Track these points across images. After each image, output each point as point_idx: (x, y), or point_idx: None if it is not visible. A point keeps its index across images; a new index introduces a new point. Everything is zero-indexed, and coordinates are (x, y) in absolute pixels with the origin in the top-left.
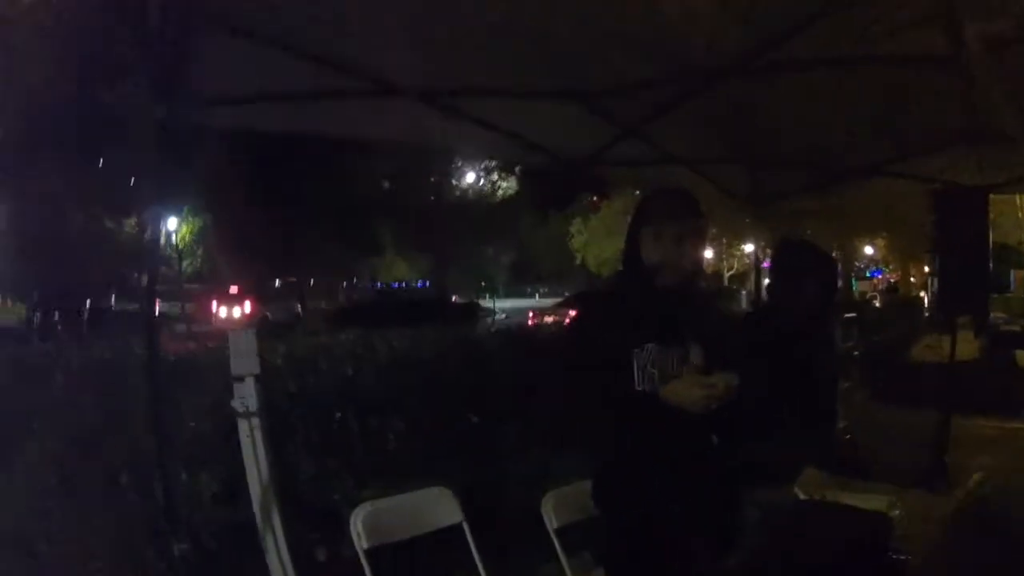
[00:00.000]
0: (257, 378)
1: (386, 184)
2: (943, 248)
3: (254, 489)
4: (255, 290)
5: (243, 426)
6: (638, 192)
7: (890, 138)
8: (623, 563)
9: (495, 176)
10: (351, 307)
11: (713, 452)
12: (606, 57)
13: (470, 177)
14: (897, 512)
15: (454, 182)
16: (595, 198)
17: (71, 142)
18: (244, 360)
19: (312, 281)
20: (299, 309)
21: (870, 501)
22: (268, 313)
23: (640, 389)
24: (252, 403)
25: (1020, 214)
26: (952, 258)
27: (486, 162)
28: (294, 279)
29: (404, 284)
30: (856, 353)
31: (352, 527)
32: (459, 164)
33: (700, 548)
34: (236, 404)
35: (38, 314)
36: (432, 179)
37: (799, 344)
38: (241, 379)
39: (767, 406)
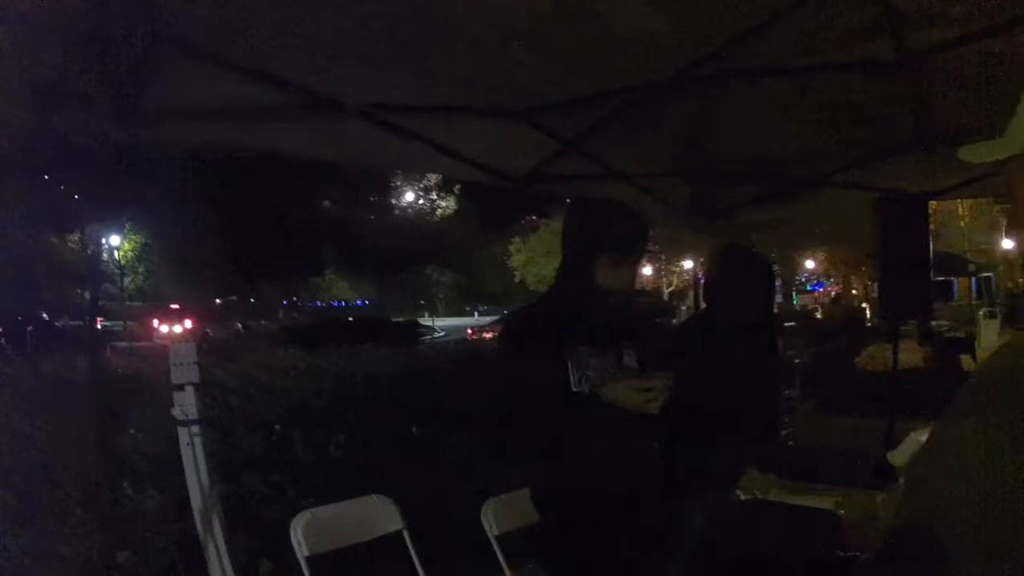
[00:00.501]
0: (196, 387)
1: (327, 204)
2: (885, 255)
3: (195, 497)
4: (196, 307)
5: (183, 434)
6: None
7: (835, 149)
8: (565, 570)
9: (434, 195)
10: (292, 326)
11: (652, 454)
12: (545, 73)
13: (409, 196)
14: (843, 511)
15: (393, 201)
16: (534, 217)
17: (17, 162)
18: (184, 369)
19: (253, 300)
20: (240, 327)
21: (816, 502)
22: (208, 330)
23: (578, 391)
24: (191, 411)
25: (963, 223)
26: (894, 265)
27: (424, 181)
28: (235, 298)
29: (344, 304)
30: (797, 361)
31: (293, 534)
32: (399, 184)
33: (642, 552)
34: (176, 412)
35: None
36: (372, 199)
37: (738, 349)
38: (181, 388)
39: (706, 409)
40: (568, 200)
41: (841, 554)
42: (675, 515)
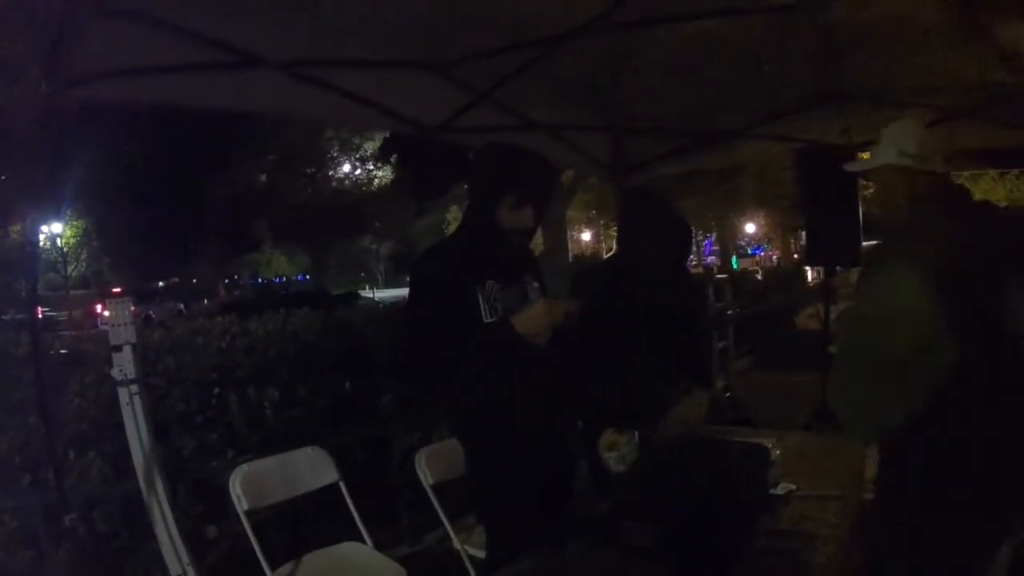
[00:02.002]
0: (134, 347)
1: (263, 178)
2: (809, 203)
3: (137, 457)
4: (137, 290)
5: (123, 394)
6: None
7: (755, 101)
8: (493, 510)
9: (371, 165)
10: (233, 303)
11: (567, 391)
12: (460, 25)
13: (346, 167)
14: (779, 451)
15: (330, 173)
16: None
17: None
18: (122, 330)
19: (195, 280)
20: (181, 307)
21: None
22: (151, 312)
23: (489, 321)
24: (130, 371)
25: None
26: (819, 211)
27: (361, 151)
28: (177, 279)
29: (284, 279)
30: (729, 312)
31: (232, 489)
32: (335, 155)
33: (564, 484)
34: (115, 373)
35: None
36: (308, 171)
37: (652, 291)
38: (119, 348)
39: (616, 346)
40: None
41: (777, 488)
42: (592, 447)
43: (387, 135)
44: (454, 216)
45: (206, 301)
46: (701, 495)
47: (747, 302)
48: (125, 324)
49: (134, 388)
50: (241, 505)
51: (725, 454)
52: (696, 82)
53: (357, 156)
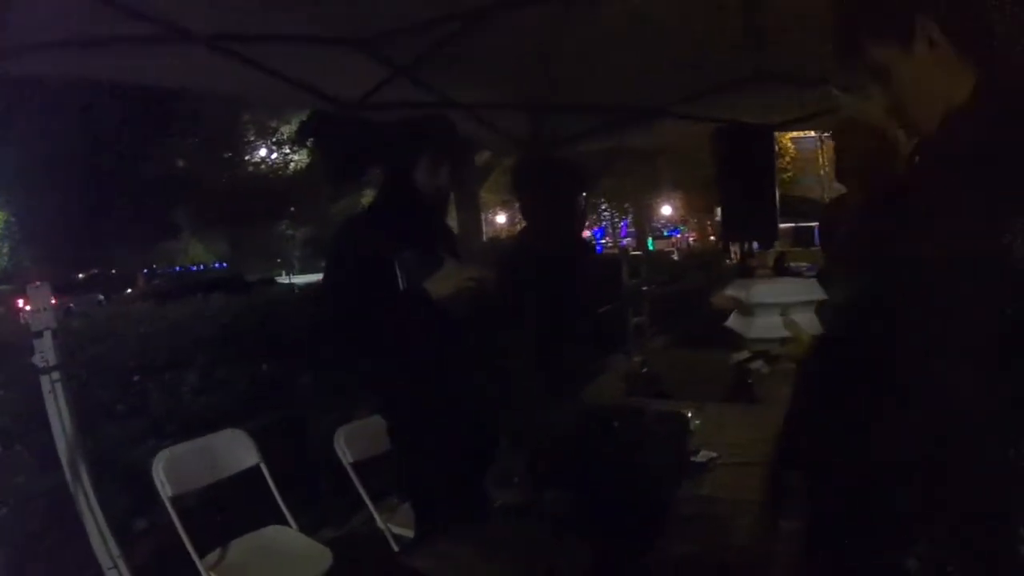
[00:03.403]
0: (55, 333)
1: (180, 163)
2: (725, 180)
3: (60, 445)
4: (58, 282)
5: (44, 381)
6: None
7: (675, 79)
8: (415, 479)
9: (287, 150)
10: (152, 292)
11: (485, 355)
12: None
13: (262, 152)
14: (698, 421)
15: (247, 158)
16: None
17: None
18: (41, 316)
19: (114, 271)
20: (101, 298)
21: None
22: (71, 304)
23: (404, 288)
24: (51, 357)
25: (823, 172)
26: (734, 186)
27: (277, 135)
28: (96, 271)
29: (203, 267)
30: (644, 288)
31: (155, 475)
32: (251, 139)
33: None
34: (36, 360)
35: None
36: (225, 156)
37: (557, 262)
38: (40, 335)
39: (530, 315)
40: None
41: (697, 457)
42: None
43: (303, 119)
44: (368, 199)
45: (128, 291)
46: (619, 462)
47: (663, 280)
48: (44, 310)
49: (55, 375)
50: (165, 491)
51: (642, 421)
52: (618, 59)
53: (273, 140)
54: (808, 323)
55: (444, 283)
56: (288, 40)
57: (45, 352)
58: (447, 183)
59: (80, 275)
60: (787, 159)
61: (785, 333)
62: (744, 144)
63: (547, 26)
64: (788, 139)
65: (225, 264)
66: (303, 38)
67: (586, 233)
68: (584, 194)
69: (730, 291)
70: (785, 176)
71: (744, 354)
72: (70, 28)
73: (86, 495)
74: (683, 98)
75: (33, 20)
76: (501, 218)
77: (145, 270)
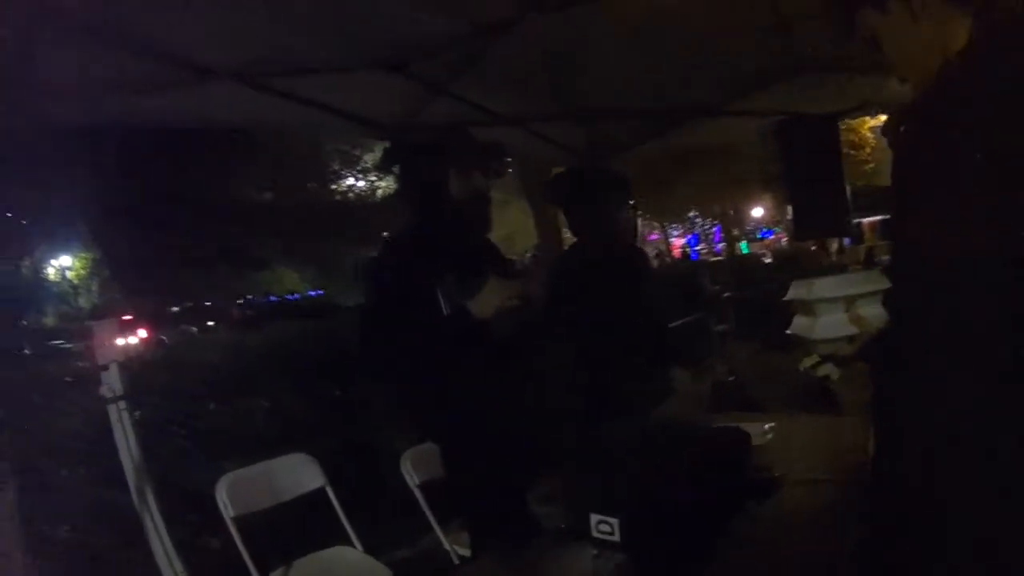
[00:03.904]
0: (121, 365)
1: (267, 196)
2: (792, 176)
3: (127, 468)
4: (149, 317)
5: (112, 411)
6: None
7: (726, 74)
8: (469, 502)
9: (372, 177)
10: (245, 322)
11: (537, 377)
12: (408, 18)
13: (350, 180)
14: (770, 436)
15: (332, 187)
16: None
17: None
18: (108, 350)
19: (208, 303)
20: (194, 330)
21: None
22: (164, 337)
23: (448, 313)
24: (117, 388)
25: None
26: (801, 181)
27: (362, 163)
28: (189, 303)
29: (298, 295)
30: (727, 295)
31: (218, 498)
32: (336, 168)
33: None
34: (104, 391)
35: None
36: (310, 185)
37: (609, 273)
38: (106, 367)
39: (589, 334)
40: None
41: (758, 475)
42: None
43: (387, 145)
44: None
45: (219, 323)
46: (673, 482)
47: (748, 284)
48: (110, 344)
49: (122, 404)
50: (228, 512)
51: (695, 440)
52: (661, 60)
53: (359, 168)
54: (877, 316)
55: (487, 304)
56: (315, 72)
57: (111, 383)
58: (482, 195)
59: (175, 308)
60: (868, 150)
61: (852, 330)
62: (807, 136)
63: (581, 31)
64: (867, 129)
65: (321, 292)
66: (332, 68)
67: (679, 241)
68: (631, 202)
69: (791, 293)
70: (867, 167)
71: (813, 359)
72: (96, 75)
73: (152, 515)
74: (735, 94)
75: (58, 71)
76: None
77: (240, 300)
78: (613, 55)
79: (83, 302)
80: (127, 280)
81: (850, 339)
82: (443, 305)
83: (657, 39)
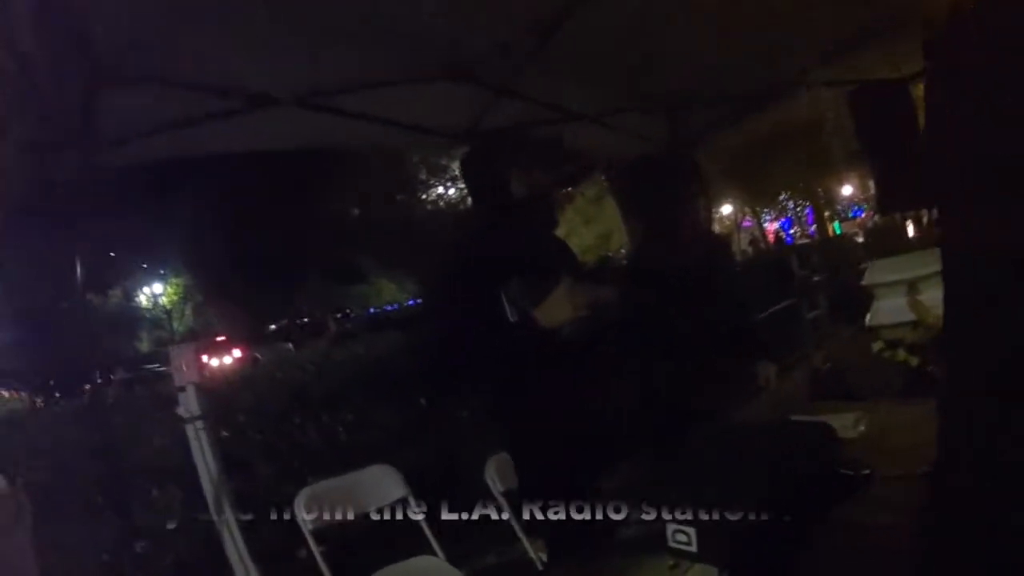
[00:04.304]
0: (198, 387)
1: (356, 212)
2: (869, 145)
3: (205, 484)
4: (244, 336)
5: (189, 430)
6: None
7: (798, 46)
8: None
9: (461, 184)
10: (343, 336)
11: (618, 384)
12: (463, 20)
13: (439, 189)
14: (862, 427)
15: (423, 196)
16: (568, 189)
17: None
18: (185, 372)
19: (306, 320)
20: (289, 346)
21: (832, 420)
22: (258, 355)
23: (514, 320)
24: (194, 409)
25: None
26: (881, 151)
27: (450, 171)
28: (285, 321)
29: (397, 306)
30: (816, 279)
31: (296, 510)
32: (424, 177)
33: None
34: (181, 411)
35: (40, 399)
36: (399, 197)
37: (692, 263)
38: (183, 389)
39: (663, 328)
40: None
41: (844, 472)
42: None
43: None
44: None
45: (317, 340)
46: (752, 484)
47: (837, 267)
48: (188, 367)
49: (199, 424)
50: (306, 524)
51: (775, 442)
52: (734, 34)
53: (447, 176)
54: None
55: (556, 310)
56: (378, 85)
57: (188, 404)
58: (548, 194)
59: (272, 327)
60: None
61: (911, 316)
62: (883, 103)
63: (647, 11)
64: None
65: (419, 301)
66: (394, 79)
67: (773, 226)
68: (706, 190)
69: (867, 277)
70: None
71: (879, 344)
72: (162, 113)
73: (231, 530)
74: (811, 64)
75: (128, 110)
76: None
77: (338, 315)
78: (684, 34)
79: (178, 326)
80: (221, 303)
81: (913, 325)
82: (508, 311)
83: (727, 11)
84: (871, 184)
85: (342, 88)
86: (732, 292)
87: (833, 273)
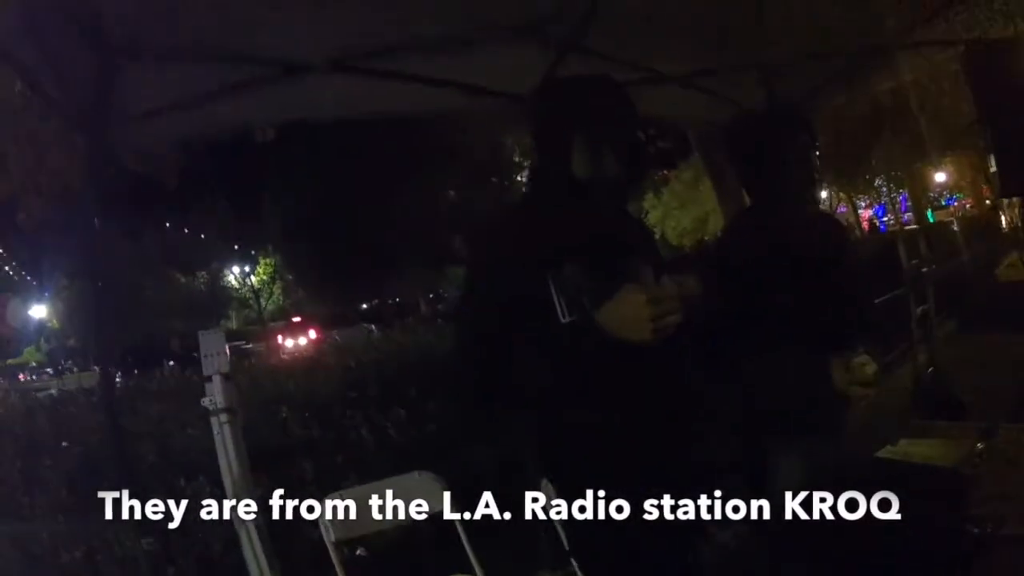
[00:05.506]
0: (225, 376)
1: (452, 194)
2: (990, 115)
3: (227, 482)
4: (326, 317)
5: (214, 422)
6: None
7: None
8: (590, 554)
9: None
10: (435, 316)
11: (692, 395)
12: None
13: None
14: (979, 464)
15: (518, 178)
16: (665, 173)
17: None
18: (213, 360)
19: (397, 300)
20: (372, 328)
21: (949, 451)
22: (336, 336)
23: (567, 321)
24: (220, 400)
25: None
26: (1004, 123)
27: None
28: (375, 300)
29: None
30: (924, 270)
31: (320, 520)
32: (518, 159)
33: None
34: (206, 402)
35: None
36: (492, 179)
37: (793, 242)
38: (210, 378)
39: (755, 328)
40: None
41: (970, 528)
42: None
43: None
44: (650, 203)
45: (409, 319)
46: (863, 543)
47: (940, 257)
48: (216, 355)
49: (223, 417)
50: (329, 536)
51: (900, 485)
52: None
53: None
54: None
55: (617, 315)
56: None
57: (215, 395)
58: (623, 169)
59: (364, 306)
60: None
61: None
62: (1000, 66)
63: None
64: None
65: None
66: (448, 37)
67: (867, 213)
68: (816, 151)
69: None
70: None
71: None
72: (189, 87)
73: (248, 529)
74: (912, 23)
75: (155, 85)
76: None
77: (431, 295)
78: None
79: (267, 304)
80: (309, 282)
81: None
82: (560, 310)
83: None
84: (964, 172)
85: (381, 50)
86: (853, 284)
87: (941, 263)
